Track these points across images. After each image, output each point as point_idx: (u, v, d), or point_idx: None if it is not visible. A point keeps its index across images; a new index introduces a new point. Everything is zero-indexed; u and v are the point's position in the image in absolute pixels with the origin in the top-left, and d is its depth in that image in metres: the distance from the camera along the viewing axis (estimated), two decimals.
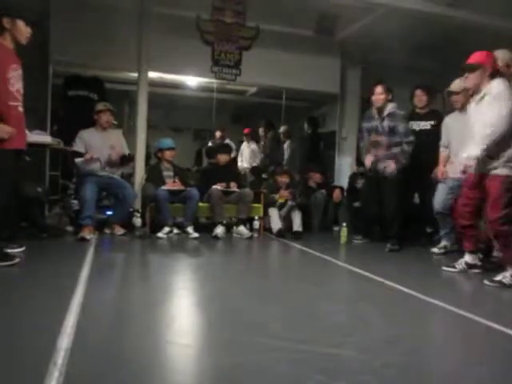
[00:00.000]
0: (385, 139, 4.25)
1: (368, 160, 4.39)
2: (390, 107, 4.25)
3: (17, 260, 2.89)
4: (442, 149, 4.15)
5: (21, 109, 2.92)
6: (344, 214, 5.48)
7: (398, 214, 4.26)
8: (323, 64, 6.27)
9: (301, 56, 6.06)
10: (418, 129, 4.47)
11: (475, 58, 3.07)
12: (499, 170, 2.97)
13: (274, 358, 1.61)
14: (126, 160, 4.65)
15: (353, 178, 5.55)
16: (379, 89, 4.25)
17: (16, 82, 2.86)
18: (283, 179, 5.24)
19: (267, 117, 7.34)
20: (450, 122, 4.06)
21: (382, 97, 4.24)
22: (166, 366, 1.57)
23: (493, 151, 2.95)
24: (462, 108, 3.87)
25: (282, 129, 7.01)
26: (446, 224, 4.09)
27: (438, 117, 4.44)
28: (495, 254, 3.54)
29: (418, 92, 4.58)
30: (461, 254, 3.45)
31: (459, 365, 1.72)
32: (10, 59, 2.85)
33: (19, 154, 2.97)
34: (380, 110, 4.29)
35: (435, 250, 4.19)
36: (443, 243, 4.19)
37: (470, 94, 3.74)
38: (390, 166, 4.19)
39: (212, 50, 5.69)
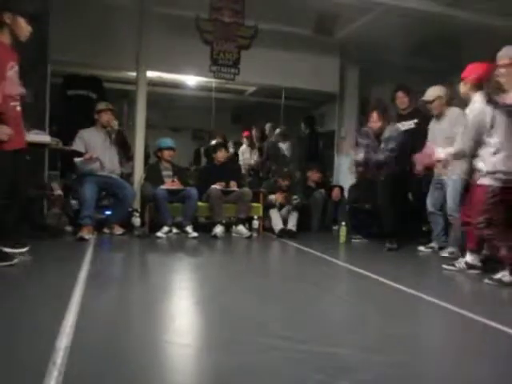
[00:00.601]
0: (383, 157, 4.25)
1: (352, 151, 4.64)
2: (389, 131, 4.23)
3: (16, 260, 2.87)
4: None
5: (19, 108, 2.91)
6: (343, 213, 5.48)
7: (392, 213, 4.27)
8: (322, 63, 6.27)
9: (300, 55, 6.05)
10: (402, 129, 4.49)
11: (467, 70, 3.28)
12: (482, 179, 3.06)
13: (274, 358, 1.60)
14: (129, 148, 4.67)
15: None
16: (375, 116, 4.25)
17: (13, 80, 2.84)
18: (284, 182, 5.25)
19: (267, 116, 7.33)
20: (430, 127, 4.16)
21: (378, 124, 4.25)
22: (165, 366, 1.57)
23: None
24: (440, 115, 4.03)
25: (278, 131, 6.97)
26: (438, 225, 4.15)
27: (420, 115, 4.46)
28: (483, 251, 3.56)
29: (400, 94, 4.63)
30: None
31: (459, 364, 1.72)
32: (8, 57, 2.84)
33: (18, 154, 2.95)
34: (377, 133, 4.30)
35: (421, 248, 4.27)
36: (432, 244, 4.25)
37: (445, 100, 4.00)
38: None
39: (211, 49, 5.68)
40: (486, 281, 2.93)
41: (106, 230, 4.47)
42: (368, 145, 4.38)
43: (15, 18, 2.83)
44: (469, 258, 3.31)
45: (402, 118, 4.56)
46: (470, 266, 3.29)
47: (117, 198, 4.49)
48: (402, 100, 4.61)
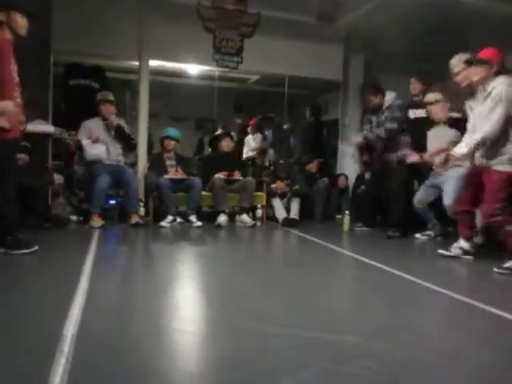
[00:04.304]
0: (384, 133, 4.31)
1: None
2: (388, 100, 4.36)
3: (35, 247, 2.90)
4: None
5: (19, 100, 2.91)
6: (347, 202, 5.49)
7: (399, 200, 4.30)
8: (326, 51, 6.22)
9: (303, 43, 6.01)
10: (413, 117, 4.53)
11: (485, 53, 3.10)
12: (502, 166, 3.02)
13: (278, 345, 1.62)
14: (131, 140, 4.71)
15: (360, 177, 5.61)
16: (371, 97, 4.42)
17: (15, 75, 2.87)
18: (282, 174, 5.27)
19: (270, 105, 7.30)
20: (432, 133, 4.15)
21: (376, 101, 4.39)
22: (170, 353, 1.59)
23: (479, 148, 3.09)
24: (441, 121, 4.05)
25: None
26: (429, 218, 4.21)
27: None
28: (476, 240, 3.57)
29: (412, 80, 4.66)
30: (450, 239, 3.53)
31: (461, 352, 1.72)
32: (12, 53, 2.85)
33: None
34: (377, 110, 4.43)
35: (418, 235, 4.30)
36: (428, 232, 4.29)
37: (445, 104, 4.02)
38: (412, 157, 4.24)
39: (213, 37, 5.64)
40: (496, 270, 2.91)
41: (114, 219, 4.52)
42: (372, 120, 4.49)
43: (9, 14, 2.80)
44: (463, 244, 3.34)
45: (414, 105, 4.55)
46: (465, 252, 3.33)
47: (121, 185, 4.50)
48: (413, 86, 4.63)
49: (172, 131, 4.96)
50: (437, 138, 4.07)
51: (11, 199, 2.88)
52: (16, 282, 2.38)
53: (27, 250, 2.87)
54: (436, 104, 4.04)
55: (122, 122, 4.78)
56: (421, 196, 4.13)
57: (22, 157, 3.88)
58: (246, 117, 7.64)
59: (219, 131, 6.79)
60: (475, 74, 3.08)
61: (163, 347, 1.61)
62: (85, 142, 4.37)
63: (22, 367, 1.38)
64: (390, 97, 4.36)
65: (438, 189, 4.01)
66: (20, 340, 1.58)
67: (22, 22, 2.85)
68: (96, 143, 4.36)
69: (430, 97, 4.10)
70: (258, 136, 7.07)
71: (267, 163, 6.53)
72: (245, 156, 7.02)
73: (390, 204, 4.40)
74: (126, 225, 4.39)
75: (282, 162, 5.62)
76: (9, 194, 2.86)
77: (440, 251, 3.41)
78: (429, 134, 4.20)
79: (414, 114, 4.54)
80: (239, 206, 4.92)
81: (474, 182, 3.22)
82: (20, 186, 3.08)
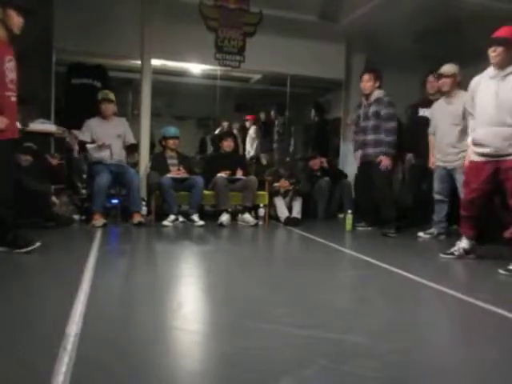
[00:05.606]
0: (371, 123, 4.38)
1: (356, 157, 4.70)
2: (377, 93, 4.38)
3: (37, 244, 2.90)
4: (430, 137, 4.20)
5: (14, 99, 2.90)
6: (350, 201, 5.48)
7: (388, 198, 4.37)
8: (328, 50, 6.20)
9: (305, 42, 5.99)
10: (425, 114, 4.48)
11: (505, 31, 3.01)
12: None
13: (279, 344, 1.62)
14: (134, 149, 4.74)
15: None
16: (366, 76, 4.43)
17: (10, 72, 2.84)
18: (286, 171, 5.28)
19: (272, 104, 7.30)
20: (436, 108, 4.13)
21: (369, 84, 4.39)
22: (172, 351, 1.59)
23: None
24: (448, 94, 3.99)
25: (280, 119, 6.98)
26: (442, 211, 4.17)
27: None
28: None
29: (431, 78, 4.58)
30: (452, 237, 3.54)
31: (464, 352, 1.72)
32: (5, 51, 2.83)
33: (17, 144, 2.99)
34: (368, 97, 4.44)
35: (421, 233, 4.28)
36: (431, 230, 4.26)
37: (458, 80, 3.97)
38: (384, 162, 4.29)
39: (215, 36, 5.64)
40: (501, 271, 2.88)
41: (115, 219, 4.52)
42: (359, 115, 4.54)
43: (5, 11, 2.77)
44: (465, 243, 3.32)
45: (430, 103, 4.49)
46: (467, 252, 3.32)
47: (123, 184, 4.51)
48: (432, 84, 4.56)
49: (173, 130, 4.96)
50: (440, 111, 4.06)
51: (8, 200, 2.85)
52: (18, 281, 2.38)
53: (28, 249, 2.88)
54: (451, 77, 3.95)
55: (124, 122, 4.79)
56: (437, 188, 4.10)
57: (27, 158, 3.89)
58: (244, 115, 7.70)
59: (222, 127, 6.85)
60: (497, 54, 2.98)
61: (165, 345, 1.62)
62: (90, 147, 4.36)
63: (25, 365, 1.39)
64: (377, 91, 4.38)
65: (451, 176, 3.99)
66: (23, 338, 1.58)
67: (17, 20, 2.81)
68: (101, 148, 4.38)
69: (449, 69, 3.98)
70: (253, 128, 7.14)
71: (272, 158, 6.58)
72: (247, 154, 7.07)
73: (379, 202, 4.45)
74: (128, 224, 4.41)
75: (287, 159, 5.63)
76: (5, 194, 2.83)
77: (442, 255, 3.37)
78: (434, 108, 4.18)
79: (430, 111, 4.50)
80: (241, 205, 4.93)
81: (486, 185, 3.11)
82: (21, 187, 3.08)
